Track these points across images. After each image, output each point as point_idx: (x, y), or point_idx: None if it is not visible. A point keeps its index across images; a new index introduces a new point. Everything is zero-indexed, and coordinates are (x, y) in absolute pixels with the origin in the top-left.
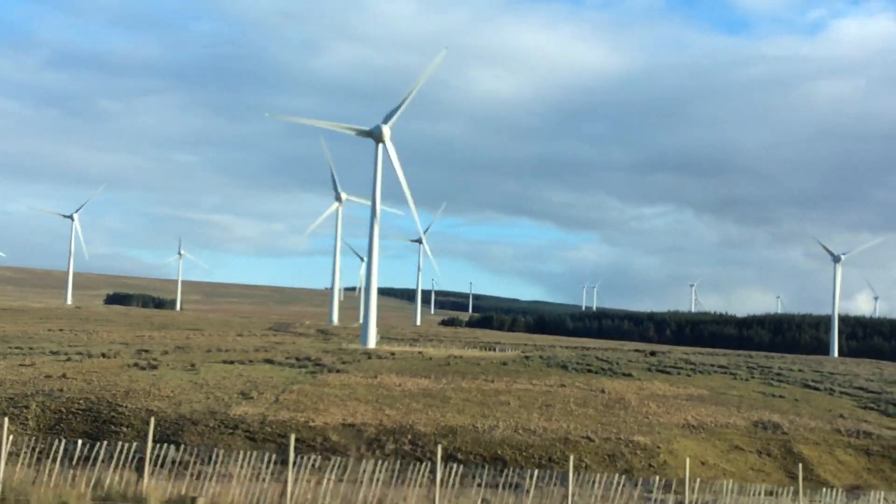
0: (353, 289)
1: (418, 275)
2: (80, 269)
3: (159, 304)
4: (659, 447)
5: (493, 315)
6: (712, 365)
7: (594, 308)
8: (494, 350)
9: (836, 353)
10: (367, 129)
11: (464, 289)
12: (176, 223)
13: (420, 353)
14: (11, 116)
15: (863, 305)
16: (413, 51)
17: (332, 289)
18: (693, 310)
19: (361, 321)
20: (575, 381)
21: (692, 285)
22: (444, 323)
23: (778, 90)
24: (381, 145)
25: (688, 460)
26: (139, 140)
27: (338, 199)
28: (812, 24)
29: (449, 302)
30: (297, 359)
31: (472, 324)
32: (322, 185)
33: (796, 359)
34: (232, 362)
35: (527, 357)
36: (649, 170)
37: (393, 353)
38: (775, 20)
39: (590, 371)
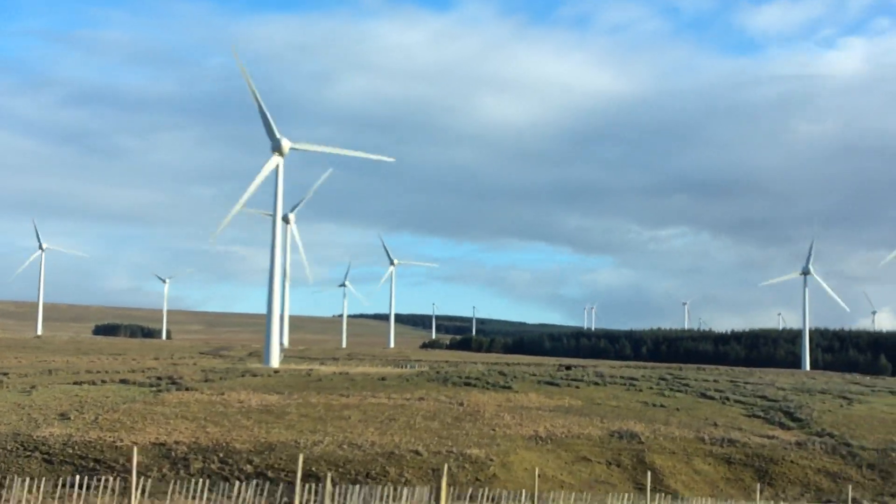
0: (359, 315)
1: (391, 298)
2: (96, 303)
3: (148, 333)
4: (492, 460)
5: (471, 337)
6: (621, 377)
7: (592, 329)
8: (408, 367)
9: (807, 367)
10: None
11: (469, 314)
12: (195, 256)
13: (310, 371)
14: (30, 155)
15: (885, 322)
16: (425, 80)
17: (281, 312)
18: (686, 327)
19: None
20: (441, 394)
21: (685, 303)
22: (424, 346)
23: (790, 109)
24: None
25: (520, 472)
26: (157, 175)
27: (276, 149)
28: (822, 42)
29: (454, 326)
30: (159, 378)
31: (452, 346)
32: (339, 215)
33: (731, 371)
34: (81, 383)
35: (423, 372)
36: (665, 192)
37: (277, 371)
38: (784, 40)
39: (468, 385)
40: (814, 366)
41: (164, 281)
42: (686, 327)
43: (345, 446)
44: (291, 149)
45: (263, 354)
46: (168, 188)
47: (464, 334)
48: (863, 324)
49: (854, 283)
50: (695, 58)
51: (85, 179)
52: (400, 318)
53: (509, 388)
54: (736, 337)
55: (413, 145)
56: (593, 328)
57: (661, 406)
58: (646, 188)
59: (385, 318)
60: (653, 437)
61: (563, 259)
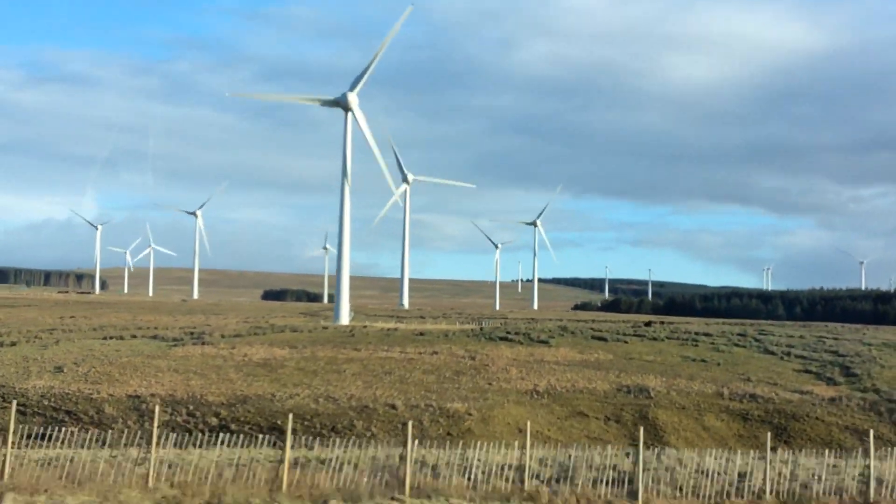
0: (529, 280)
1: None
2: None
3: (314, 297)
4: (471, 414)
5: (622, 298)
6: (696, 333)
7: (769, 289)
8: (483, 324)
9: None
10: (332, 98)
11: (644, 276)
12: (386, 224)
13: (364, 327)
14: (229, 129)
15: None
16: (608, 42)
17: (402, 275)
18: (864, 287)
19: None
20: (463, 348)
21: (861, 263)
22: (576, 307)
23: None
24: (349, 114)
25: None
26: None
27: (405, 180)
28: None
29: (631, 290)
30: (190, 333)
31: (604, 307)
32: (528, 181)
33: (839, 329)
34: (106, 338)
35: (472, 330)
36: (865, 149)
37: (326, 328)
38: None
39: (505, 340)
40: None
41: (325, 249)
42: (864, 287)
43: (321, 400)
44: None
45: (333, 312)
46: (356, 158)
47: (640, 297)
48: None
49: None
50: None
51: (279, 152)
52: (577, 283)
53: (546, 343)
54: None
55: (598, 109)
56: (769, 289)
57: (703, 361)
58: (844, 146)
59: (561, 282)
60: (665, 392)
61: (757, 221)
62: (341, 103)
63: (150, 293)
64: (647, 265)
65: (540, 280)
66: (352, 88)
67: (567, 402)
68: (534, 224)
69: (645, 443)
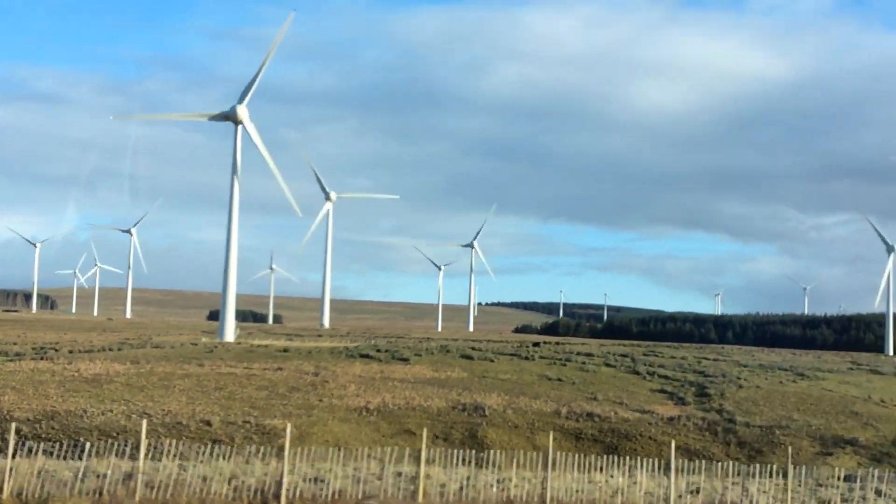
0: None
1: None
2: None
3: (261, 318)
4: (282, 431)
5: (560, 321)
6: (577, 353)
7: (720, 314)
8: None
9: (890, 351)
10: (221, 112)
11: (601, 301)
12: (354, 247)
13: (220, 344)
14: (200, 148)
15: None
16: (577, 67)
17: (322, 295)
18: (807, 313)
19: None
20: (309, 364)
21: (805, 288)
22: (516, 330)
23: None
24: (239, 127)
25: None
26: (317, 166)
27: (327, 198)
28: None
29: (587, 314)
30: (38, 349)
31: (543, 330)
32: (499, 204)
33: (724, 350)
34: None
35: (346, 348)
36: (827, 177)
37: (195, 344)
38: None
39: (366, 357)
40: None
41: (271, 269)
42: (806, 312)
43: (133, 416)
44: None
45: (218, 329)
46: (327, 179)
47: (592, 321)
48: None
49: None
50: (858, 36)
51: (250, 172)
52: (536, 307)
53: (406, 360)
54: (827, 321)
55: (566, 133)
56: (720, 314)
57: (559, 380)
58: (807, 173)
59: (520, 306)
60: (502, 410)
61: (721, 248)
62: (231, 117)
63: (96, 312)
64: (614, 290)
65: (500, 304)
66: (240, 101)
67: (396, 420)
68: (471, 246)
69: (471, 461)
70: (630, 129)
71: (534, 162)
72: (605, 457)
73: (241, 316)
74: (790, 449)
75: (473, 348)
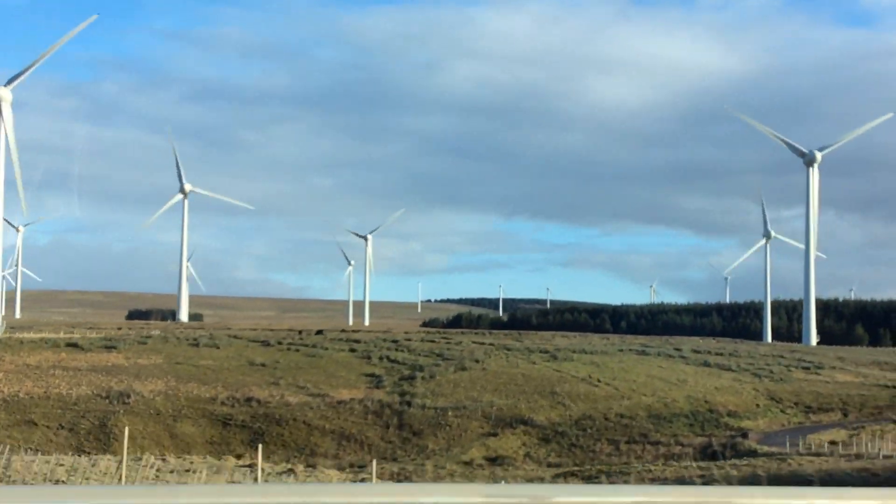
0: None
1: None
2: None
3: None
4: None
5: (464, 314)
6: (344, 339)
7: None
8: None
9: (768, 338)
10: None
11: (544, 296)
12: (317, 246)
13: None
14: (155, 150)
15: None
16: (533, 64)
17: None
18: (728, 301)
19: None
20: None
21: (726, 278)
22: (424, 324)
23: None
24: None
25: None
26: (277, 167)
27: (181, 190)
28: None
29: (529, 308)
30: None
31: (448, 324)
32: (459, 202)
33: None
34: None
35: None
36: (785, 171)
37: None
38: None
39: (77, 347)
40: (784, 336)
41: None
42: (728, 301)
43: None
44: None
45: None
46: (288, 179)
47: (565, 316)
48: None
49: None
50: (807, 31)
51: (208, 173)
52: (482, 303)
53: (114, 348)
54: (718, 309)
55: (525, 130)
56: (655, 303)
57: (262, 365)
58: (764, 167)
59: (467, 302)
60: (151, 398)
61: (683, 242)
62: None
63: (17, 315)
64: (577, 286)
65: (448, 301)
66: (8, 83)
67: (21, 410)
68: (364, 238)
69: (93, 451)
70: (588, 125)
71: (493, 159)
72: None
73: (161, 315)
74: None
75: (212, 336)
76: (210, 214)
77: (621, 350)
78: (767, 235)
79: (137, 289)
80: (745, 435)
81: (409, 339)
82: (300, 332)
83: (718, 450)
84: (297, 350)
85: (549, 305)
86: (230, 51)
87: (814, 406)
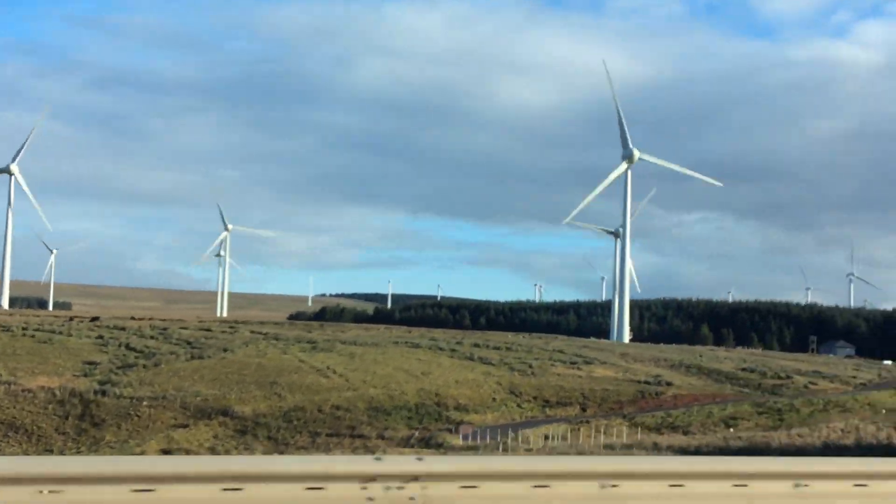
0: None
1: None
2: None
3: (44, 304)
4: None
5: (328, 308)
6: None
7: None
8: None
9: (615, 337)
10: None
11: (435, 292)
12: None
13: None
14: (59, 138)
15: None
16: (444, 63)
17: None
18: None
19: None
20: None
21: (602, 278)
22: (291, 317)
23: (810, 93)
24: None
25: None
26: (184, 158)
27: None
28: (838, 26)
29: (420, 304)
30: None
31: (314, 317)
32: (369, 198)
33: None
34: None
35: None
36: (687, 177)
37: None
38: (799, 24)
39: None
40: (635, 335)
41: (51, 251)
42: (602, 300)
43: None
44: (640, 158)
45: None
46: (196, 170)
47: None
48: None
49: (881, 268)
50: (711, 41)
51: (114, 162)
52: (372, 297)
53: None
54: (575, 307)
55: (435, 128)
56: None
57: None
58: (669, 173)
59: (361, 297)
60: None
61: (590, 244)
62: None
63: None
64: (483, 285)
65: (341, 295)
66: None
67: None
68: (226, 229)
69: None
70: (497, 125)
71: (403, 157)
72: None
73: (27, 303)
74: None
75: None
76: (115, 204)
77: (396, 343)
78: (616, 234)
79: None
80: (455, 429)
81: (185, 328)
82: (72, 318)
83: (414, 444)
84: (33, 336)
85: (439, 300)
86: (139, 39)
87: (552, 401)
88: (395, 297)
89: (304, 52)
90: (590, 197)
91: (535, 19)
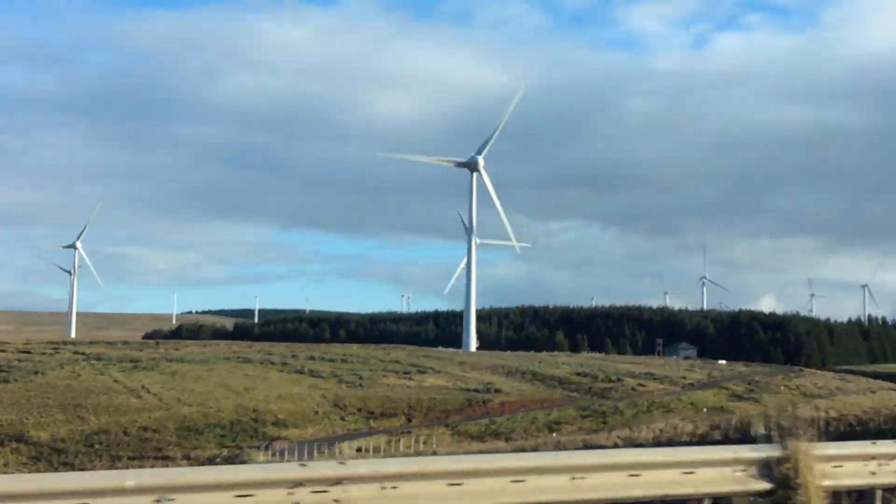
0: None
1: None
2: None
3: None
4: None
5: (184, 326)
6: None
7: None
8: None
9: (470, 346)
10: None
11: (303, 306)
12: (88, 257)
13: None
14: None
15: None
16: (313, 76)
17: None
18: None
19: None
20: None
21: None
22: (146, 336)
23: (670, 103)
24: None
25: None
26: (43, 175)
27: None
28: (697, 38)
29: (285, 319)
30: None
31: (171, 335)
32: (237, 213)
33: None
34: None
35: None
36: (554, 186)
37: None
38: (661, 35)
39: None
40: (492, 343)
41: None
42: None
43: None
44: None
45: None
46: (55, 188)
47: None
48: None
49: (738, 271)
50: (576, 52)
51: None
52: (240, 313)
53: None
54: (435, 318)
55: (304, 141)
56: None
57: None
58: (536, 182)
59: (228, 314)
60: None
61: (460, 254)
62: None
63: None
64: (353, 298)
65: (208, 312)
66: None
67: None
68: (73, 247)
69: None
70: (367, 138)
71: (272, 170)
72: None
73: None
74: None
75: None
76: None
77: (228, 359)
78: (470, 231)
79: None
80: (267, 446)
81: (3, 351)
82: None
83: (220, 463)
84: None
85: (307, 315)
86: None
87: (377, 412)
88: (264, 313)
89: (168, 66)
90: (412, 157)
91: (404, 31)
